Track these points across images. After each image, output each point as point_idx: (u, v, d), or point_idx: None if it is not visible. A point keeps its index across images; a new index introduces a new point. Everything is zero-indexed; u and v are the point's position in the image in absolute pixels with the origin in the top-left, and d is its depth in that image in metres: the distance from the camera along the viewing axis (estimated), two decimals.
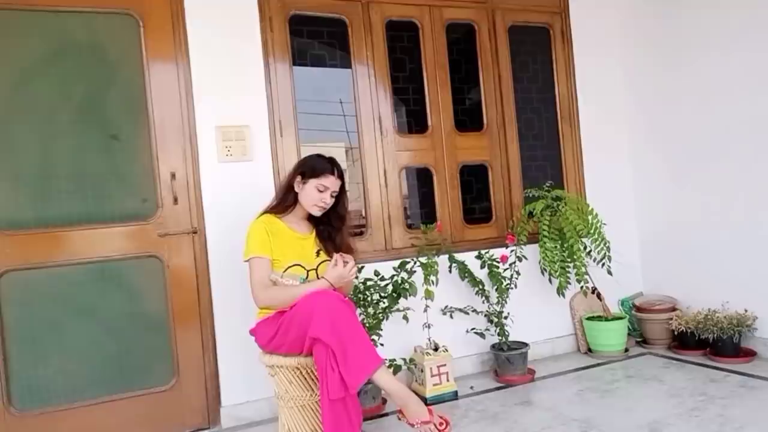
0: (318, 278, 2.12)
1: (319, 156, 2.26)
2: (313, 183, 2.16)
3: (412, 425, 1.87)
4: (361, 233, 3.05)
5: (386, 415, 2.57)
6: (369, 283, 2.71)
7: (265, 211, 2.23)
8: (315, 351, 1.89)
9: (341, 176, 2.22)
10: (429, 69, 3.21)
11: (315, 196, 2.17)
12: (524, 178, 3.40)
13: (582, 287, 3.17)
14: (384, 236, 3.05)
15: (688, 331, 3.04)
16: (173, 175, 2.63)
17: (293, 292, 2.02)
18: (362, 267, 2.75)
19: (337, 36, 4.38)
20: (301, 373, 2.06)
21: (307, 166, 2.20)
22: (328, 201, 2.19)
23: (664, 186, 3.45)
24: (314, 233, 2.26)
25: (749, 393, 2.49)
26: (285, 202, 2.23)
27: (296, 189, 2.20)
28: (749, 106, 2.92)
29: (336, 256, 2.09)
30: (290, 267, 2.12)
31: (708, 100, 3.14)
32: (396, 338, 2.79)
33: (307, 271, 2.16)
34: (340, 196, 2.25)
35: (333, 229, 2.26)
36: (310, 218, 2.26)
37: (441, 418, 1.88)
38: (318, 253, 2.21)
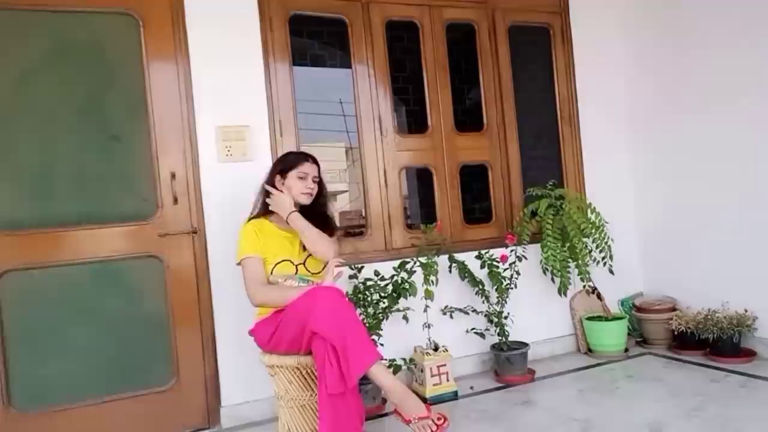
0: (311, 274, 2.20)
1: (288, 152, 2.41)
2: (293, 174, 2.24)
3: (408, 421, 1.86)
4: (361, 233, 3.05)
5: (386, 415, 2.57)
6: (369, 283, 2.71)
7: (250, 218, 2.27)
8: (314, 346, 1.90)
9: (316, 162, 2.32)
10: (429, 69, 3.21)
11: (299, 185, 2.24)
12: (524, 178, 3.40)
13: (584, 286, 3.17)
14: (384, 236, 3.05)
15: (688, 331, 3.04)
16: (173, 175, 2.63)
17: (289, 292, 2.04)
18: (362, 267, 2.75)
19: (337, 36, 4.39)
20: (300, 373, 2.07)
21: (282, 163, 2.30)
22: (312, 185, 2.27)
23: (664, 186, 3.45)
24: None
25: (749, 393, 2.49)
26: (266, 207, 2.28)
27: (280, 188, 2.25)
28: (749, 106, 2.92)
29: (330, 264, 2.16)
30: (279, 263, 2.16)
31: (708, 100, 3.14)
32: (396, 338, 2.80)
33: (296, 265, 2.19)
34: (319, 184, 2.32)
35: (318, 215, 2.30)
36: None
37: (439, 414, 1.88)
38: (304, 248, 2.24)
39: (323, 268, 2.23)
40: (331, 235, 2.28)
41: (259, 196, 2.32)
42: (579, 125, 3.54)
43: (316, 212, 2.31)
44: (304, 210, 2.26)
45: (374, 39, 3.07)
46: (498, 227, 3.32)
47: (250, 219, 2.26)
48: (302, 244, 2.24)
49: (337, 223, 2.53)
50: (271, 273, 2.14)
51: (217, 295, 2.66)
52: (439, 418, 1.86)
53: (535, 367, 3.03)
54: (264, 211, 2.28)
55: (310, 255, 2.23)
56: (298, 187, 2.24)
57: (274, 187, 2.25)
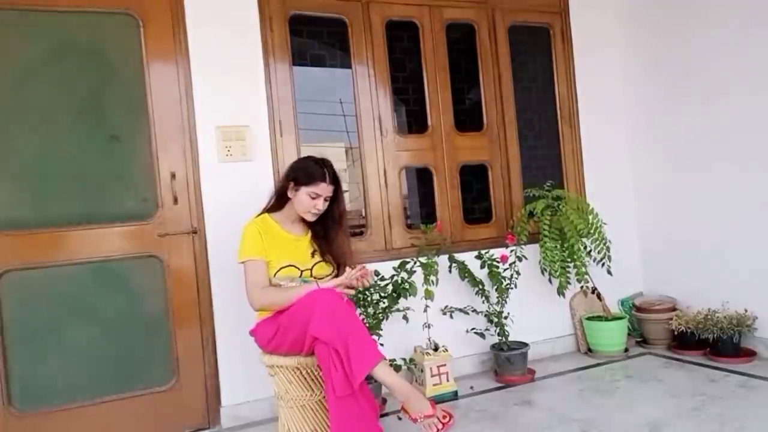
0: (314, 278, 2.16)
1: (311, 160, 2.22)
2: (305, 190, 2.14)
3: (415, 420, 1.85)
4: (361, 233, 3.05)
5: (386, 415, 2.56)
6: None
7: (262, 212, 2.25)
8: (317, 351, 1.90)
9: (334, 181, 2.18)
10: (429, 69, 3.21)
11: (308, 203, 2.15)
12: (524, 178, 3.40)
13: (582, 287, 3.17)
14: (384, 236, 3.05)
15: (688, 331, 3.04)
16: (173, 175, 2.63)
17: (290, 292, 2.02)
18: (362, 267, 2.74)
19: (337, 36, 4.38)
20: (301, 373, 2.06)
21: (299, 173, 2.17)
22: (321, 207, 2.17)
23: (664, 186, 3.45)
24: (309, 234, 2.26)
25: (749, 393, 2.49)
26: (280, 207, 2.25)
27: (289, 195, 2.20)
28: (749, 105, 2.92)
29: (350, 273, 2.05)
30: (283, 267, 2.13)
31: (708, 100, 3.14)
32: (396, 338, 2.79)
33: (301, 271, 2.17)
34: (336, 197, 2.23)
35: (327, 230, 2.26)
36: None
37: (444, 411, 1.88)
38: (313, 254, 2.22)
39: (329, 274, 2.21)
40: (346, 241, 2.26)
41: (275, 194, 2.27)
42: (579, 125, 3.54)
43: (323, 234, 2.25)
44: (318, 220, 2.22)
45: (374, 39, 3.07)
46: (498, 227, 3.32)
47: (260, 213, 2.24)
48: (312, 251, 2.21)
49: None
50: (274, 276, 2.12)
51: (217, 295, 2.66)
52: (444, 416, 1.86)
53: (535, 367, 3.03)
54: (277, 207, 2.24)
55: (318, 262, 2.19)
56: (305, 205, 2.16)
57: (284, 190, 2.20)
